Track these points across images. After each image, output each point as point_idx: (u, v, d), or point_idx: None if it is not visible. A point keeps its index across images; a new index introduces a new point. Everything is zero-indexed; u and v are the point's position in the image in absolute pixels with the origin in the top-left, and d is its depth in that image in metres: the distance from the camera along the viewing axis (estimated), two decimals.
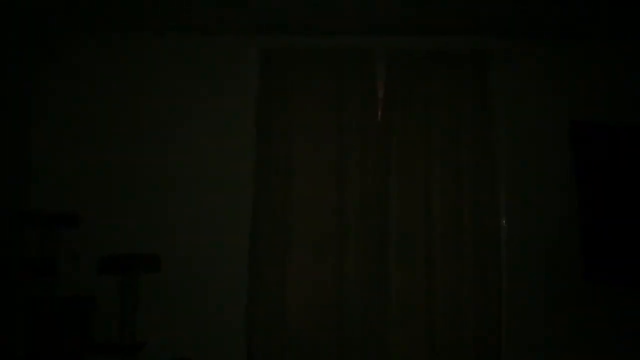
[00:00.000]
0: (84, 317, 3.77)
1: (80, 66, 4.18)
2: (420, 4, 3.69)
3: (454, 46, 4.12)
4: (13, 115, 3.98)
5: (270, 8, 3.76)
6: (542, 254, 4.01)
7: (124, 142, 4.12)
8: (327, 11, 3.81)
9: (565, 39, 4.11)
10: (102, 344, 3.78)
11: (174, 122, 4.14)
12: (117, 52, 4.18)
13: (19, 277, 3.72)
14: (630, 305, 3.96)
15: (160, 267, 3.86)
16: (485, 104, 4.11)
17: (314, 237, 3.99)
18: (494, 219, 4.03)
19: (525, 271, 4.00)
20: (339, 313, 3.93)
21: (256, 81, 4.14)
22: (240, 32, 4.11)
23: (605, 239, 3.86)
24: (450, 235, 3.98)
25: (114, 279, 3.79)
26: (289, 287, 3.97)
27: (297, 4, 3.72)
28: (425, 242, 3.98)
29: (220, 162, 4.11)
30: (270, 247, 4.00)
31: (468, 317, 3.93)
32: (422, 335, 3.91)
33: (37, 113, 4.15)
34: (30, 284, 3.73)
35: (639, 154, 3.93)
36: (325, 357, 3.90)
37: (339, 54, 4.13)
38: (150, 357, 3.75)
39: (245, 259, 4.02)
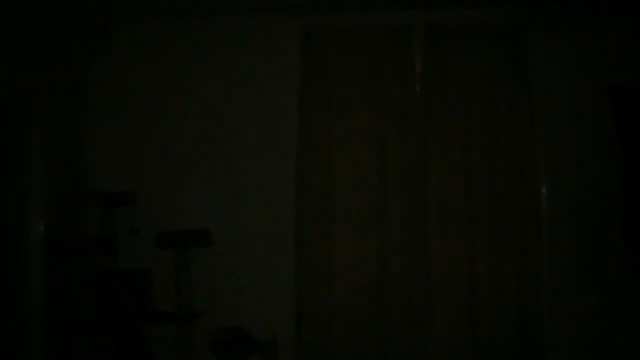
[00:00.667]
0: (143, 289, 4.06)
1: (133, 52, 4.42)
2: None
3: (491, 18, 4.13)
4: (72, 102, 4.26)
5: None
6: (583, 222, 4.02)
7: (176, 124, 4.35)
8: None
9: (602, 7, 4.04)
10: (160, 312, 4.07)
11: (221, 102, 4.34)
12: (167, 38, 4.39)
13: (84, 253, 4.03)
14: None
15: (211, 241, 4.10)
16: (524, 74, 4.11)
17: (356, 211, 4.12)
18: (534, 188, 4.06)
19: (565, 240, 4.03)
20: (383, 282, 4.07)
21: (297, 60, 4.26)
22: (282, 11, 4.23)
23: None
24: (491, 206, 4.04)
25: (169, 253, 4.08)
26: (334, 259, 4.12)
27: None
28: (466, 214, 4.05)
29: (265, 140, 4.29)
30: (314, 220, 4.16)
31: (510, 287, 3.99)
32: (463, 304, 4.01)
33: (94, 99, 4.42)
34: (94, 259, 4.03)
35: None
36: (369, 325, 4.05)
37: (377, 30, 4.21)
38: (205, 325, 4.01)
39: (291, 231, 4.20)
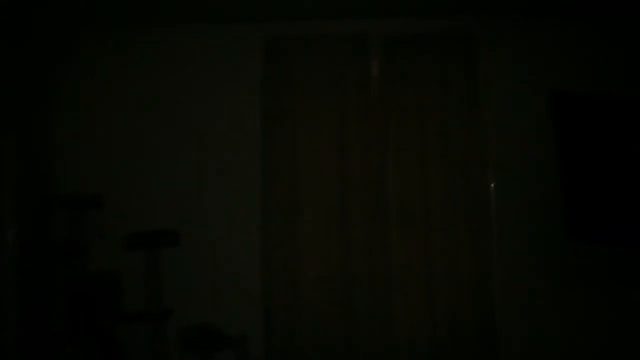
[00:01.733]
0: (114, 290, 4.13)
1: (96, 58, 4.46)
2: None
3: (443, 27, 4.41)
4: (38, 107, 4.25)
5: None
6: (528, 215, 4.37)
7: (143, 128, 4.42)
8: None
9: (547, 17, 4.39)
10: (132, 312, 4.15)
11: (187, 107, 4.44)
12: (130, 45, 4.46)
13: (53, 257, 4.04)
14: (607, 261, 4.33)
15: (179, 241, 4.21)
16: (474, 78, 4.41)
17: (321, 209, 4.31)
18: (484, 183, 4.38)
19: (512, 231, 4.37)
20: (347, 277, 4.28)
21: (261, 66, 4.41)
22: (243, 21, 4.37)
23: (583, 201, 4.24)
24: (445, 202, 4.32)
25: (138, 254, 4.15)
26: (299, 257, 4.30)
27: None
28: (423, 208, 4.32)
29: (230, 144, 4.42)
30: (280, 220, 4.32)
31: (463, 278, 4.28)
32: (422, 295, 4.28)
33: (60, 103, 4.43)
34: (63, 263, 4.06)
35: (612, 120, 4.28)
36: (335, 318, 4.26)
37: (336, 38, 4.41)
38: (176, 323, 4.12)
39: (257, 231, 4.35)
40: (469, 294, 4.28)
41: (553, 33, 4.44)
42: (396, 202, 4.35)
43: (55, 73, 4.42)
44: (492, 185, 4.41)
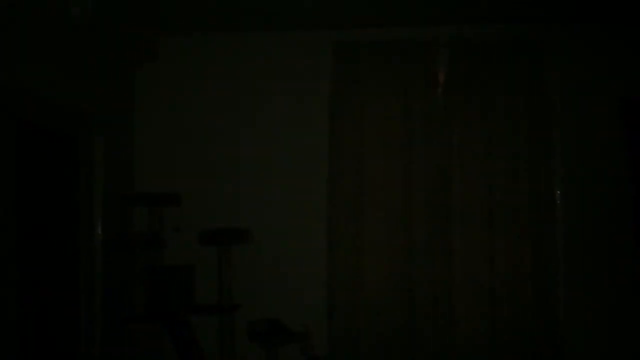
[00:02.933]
0: (188, 282, 4.39)
1: (176, 62, 4.73)
2: None
3: (509, 34, 4.45)
4: (121, 109, 4.60)
5: (338, 2, 4.18)
6: (595, 224, 4.34)
7: (217, 131, 4.67)
8: (393, 4, 4.22)
9: (615, 22, 4.35)
10: (204, 305, 4.40)
11: (260, 109, 4.66)
12: (208, 49, 4.71)
13: (133, 250, 4.36)
14: None
15: (250, 239, 4.43)
16: (541, 86, 4.42)
17: (385, 211, 4.44)
18: (550, 191, 4.38)
19: (579, 240, 4.34)
20: (408, 278, 4.39)
21: (330, 71, 4.58)
22: (315, 27, 4.57)
23: None
24: (509, 207, 4.35)
25: (212, 250, 4.40)
26: (363, 257, 4.43)
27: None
28: (485, 212, 4.37)
29: (300, 146, 4.61)
30: (346, 220, 4.47)
31: (526, 286, 4.30)
32: (484, 301, 4.32)
33: (140, 105, 4.75)
34: (142, 256, 4.36)
35: None
36: (396, 317, 4.38)
37: (404, 44, 4.52)
38: (244, 317, 4.34)
39: (324, 231, 4.52)
40: (531, 303, 4.29)
41: (620, 40, 4.39)
42: (459, 206, 4.41)
43: (138, 76, 4.74)
44: (559, 192, 4.40)
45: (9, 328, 3.16)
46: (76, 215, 3.99)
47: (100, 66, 4.23)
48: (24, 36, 3.35)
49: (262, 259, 4.54)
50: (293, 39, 4.64)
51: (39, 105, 3.52)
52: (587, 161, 4.39)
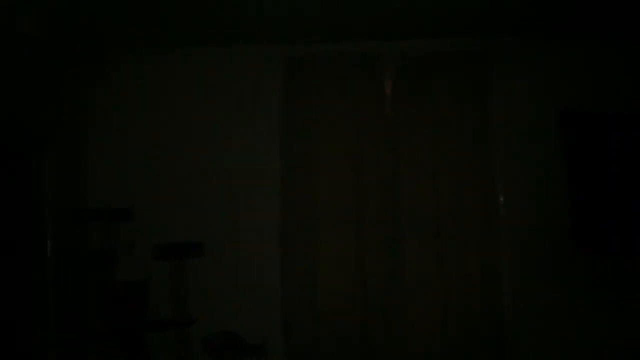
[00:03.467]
0: (142, 298, 4.37)
1: (127, 79, 4.75)
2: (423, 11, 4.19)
3: (454, 47, 4.64)
4: (73, 124, 4.56)
5: (289, 19, 4.29)
6: (536, 227, 4.53)
7: (168, 146, 4.70)
8: (340, 21, 4.34)
9: (554, 37, 4.59)
10: (159, 319, 4.38)
11: (212, 124, 4.71)
12: (159, 66, 4.76)
13: (86, 266, 4.31)
14: (615, 271, 4.46)
15: (204, 252, 4.45)
16: (485, 97, 4.62)
17: (336, 219, 4.53)
18: (493, 196, 4.56)
19: (520, 242, 4.52)
20: (362, 287, 4.48)
21: (280, 85, 4.67)
22: (264, 42, 4.66)
23: (590, 214, 4.39)
24: (455, 212, 4.50)
25: (165, 264, 4.40)
26: (316, 267, 4.50)
27: (315, 16, 4.25)
28: (433, 218, 4.51)
29: (251, 159, 4.67)
30: (297, 231, 4.55)
31: (474, 283, 4.45)
32: (433, 302, 4.44)
33: (93, 122, 4.73)
34: (95, 272, 4.32)
35: (620, 137, 4.46)
36: (351, 325, 4.45)
37: (352, 58, 4.66)
38: (199, 330, 4.34)
39: (276, 243, 4.58)
40: (478, 301, 4.45)
41: (560, 53, 4.64)
42: (408, 213, 4.54)
43: (89, 92, 4.72)
44: (501, 198, 4.59)
45: None
46: (25, 232, 3.93)
47: (50, 82, 4.20)
48: None
49: (217, 272, 4.55)
50: (244, 54, 4.72)
51: None
52: (528, 168, 4.59)
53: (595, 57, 4.64)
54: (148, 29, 4.42)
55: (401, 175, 4.57)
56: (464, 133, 4.58)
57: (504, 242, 4.53)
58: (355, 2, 4.01)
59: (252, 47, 4.68)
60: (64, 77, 4.41)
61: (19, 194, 3.92)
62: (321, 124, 4.63)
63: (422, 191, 4.54)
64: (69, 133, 4.49)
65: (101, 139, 4.71)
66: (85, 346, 4.26)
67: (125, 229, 4.46)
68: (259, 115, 4.71)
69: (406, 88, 4.63)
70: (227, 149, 4.70)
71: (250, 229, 4.62)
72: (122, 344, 4.19)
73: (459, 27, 4.48)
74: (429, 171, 4.55)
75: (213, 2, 3.97)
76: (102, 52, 4.69)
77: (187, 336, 4.36)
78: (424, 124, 4.59)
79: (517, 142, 4.61)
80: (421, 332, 4.44)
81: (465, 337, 4.41)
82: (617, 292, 4.46)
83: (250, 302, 4.55)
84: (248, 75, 4.72)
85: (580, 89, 4.58)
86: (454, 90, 4.60)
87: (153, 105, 4.74)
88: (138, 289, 4.36)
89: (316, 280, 4.52)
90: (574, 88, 4.58)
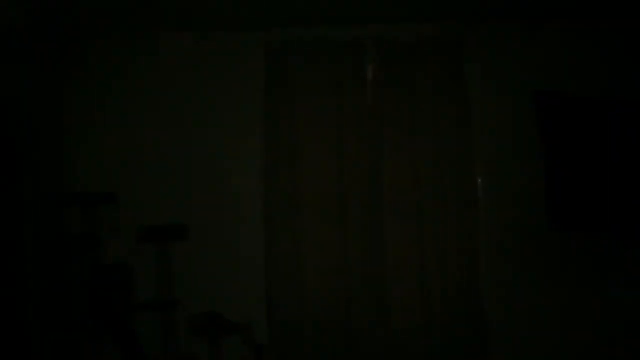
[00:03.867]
0: (127, 281, 4.41)
1: (107, 63, 4.72)
2: None
3: (433, 32, 4.71)
4: (52, 109, 4.53)
5: (270, 3, 4.31)
6: (513, 207, 4.68)
7: (150, 129, 4.70)
8: (322, 4, 4.38)
9: (532, 22, 4.69)
10: (143, 302, 4.43)
11: (195, 110, 4.72)
12: (139, 50, 4.74)
13: (69, 250, 4.32)
14: (588, 250, 4.66)
15: (188, 235, 4.49)
16: (462, 80, 4.71)
17: (320, 205, 4.61)
18: (472, 179, 4.68)
19: (498, 223, 4.67)
20: (344, 267, 4.58)
21: (262, 71, 4.69)
22: (245, 28, 4.67)
23: (564, 193, 4.55)
24: (435, 196, 4.62)
25: (149, 248, 4.43)
26: (300, 248, 4.59)
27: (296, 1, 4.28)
28: (415, 203, 4.62)
29: (235, 144, 4.71)
30: (282, 214, 4.62)
31: (453, 266, 4.58)
32: (415, 282, 4.57)
33: (72, 105, 4.71)
34: (79, 256, 4.33)
35: (589, 117, 4.60)
36: (334, 304, 4.57)
37: (333, 43, 4.70)
38: (185, 312, 4.39)
39: (260, 224, 4.64)
40: (457, 279, 4.58)
41: (536, 36, 4.73)
42: (390, 197, 4.64)
43: (69, 76, 4.69)
44: (480, 180, 4.71)
45: None
46: (5, 217, 3.92)
47: (32, 67, 4.16)
48: None
49: (201, 254, 4.60)
50: (225, 38, 4.72)
51: None
52: (506, 150, 4.72)
53: (572, 41, 4.74)
54: (129, 14, 4.38)
55: (383, 161, 4.65)
56: (442, 117, 4.67)
57: (482, 223, 4.66)
58: None
59: (233, 32, 4.68)
60: (45, 62, 4.37)
61: None
62: (304, 109, 4.67)
63: (403, 176, 4.63)
64: (50, 117, 4.46)
65: (83, 123, 4.69)
66: (70, 330, 4.28)
67: (108, 213, 4.47)
68: (242, 100, 4.72)
69: (386, 73, 4.69)
70: (211, 133, 4.71)
71: (234, 213, 4.67)
72: (108, 327, 4.22)
73: (438, 11, 4.54)
74: (409, 155, 4.64)
75: None
76: (83, 37, 4.64)
77: (172, 318, 4.42)
78: (404, 109, 4.66)
79: (494, 126, 4.72)
80: (403, 309, 4.57)
81: (445, 314, 4.55)
82: (592, 270, 4.65)
83: (234, 283, 4.61)
84: (230, 60, 4.73)
85: (557, 73, 4.70)
86: (433, 75, 4.68)
87: (135, 90, 4.72)
88: (122, 272, 4.39)
89: (300, 262, 4.60)
90: (550, 72, 4.70)
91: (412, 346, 4.55)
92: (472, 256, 4.63)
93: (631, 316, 4.62)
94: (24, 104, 4.11)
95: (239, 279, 4.63)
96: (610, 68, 4.71)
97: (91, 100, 4.72)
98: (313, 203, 4.62)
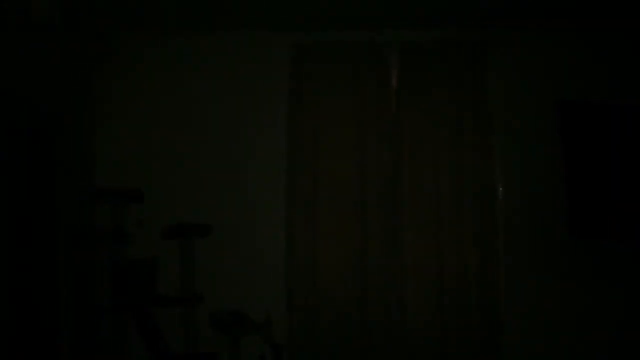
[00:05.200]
0: (151, 275, 4.54)
1: (138, 62, 4.87)
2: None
3: (456, 37, 4.76)
4: (82, 107, 4.69)
5: (297, 7, 4.40)
6: (534, 216, 4.70)
7: (178, 129, 4.84)
8: (348, 9, 4.45)
9: (554, 28, 4.70)
10: (167, 297, 4.56)
11: (220, 109, 4.84)
12: (169, 48, 4.86)
13: (98, 244, 4.49)
14: (607, 259, 4.64)
15: (211, 232, 4.61)
16: (484, 86, 4.75)
17: (340, 204, 4.69)
18: (492, 185, 4.71)
19: (518, 230, 4.70)
20: (363, 268, 4.65)
21: (287, 72, 4.79)
22: (272, 29, 4.77)
23: (586, 201, 4.55)
24: (455, 203, 4.66)
25: (174, 244, 4.56)
26: (319, 249, 4.68)
27: (322, 3, 4.36)
28: (434, 206, 4.67)
29: (259, 144, 4.82)
30: (303, 214, 4.71)
31: (471, 271, 4.62)
32: (432, 283, 4.62)
33: (102, 105, 4.85)
34: (107, 249, 4.49)
35: (611, 125, 4.60)
36: (352, 304, 4.65)
37: (357, 45, 4.78)
38: (207, 308, 4.51)
39: (282, 224, 4.74)
40: (476, 288, 4.62)
41: (558, 44, 4.76)
42: (409, 202, 4.69)
43: (101, 75, 4.84)
44: (500, 188, 4.73)
45: None
46: (38, 210, 4.08)
47: (65, 67, 4.32)
48: None
49: (223, 251, 4.72)
50: (252, 39, 4.82)
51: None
52: (527, 158, 4.74)
53: (594, 47, 4.75)
54: (158, 14, 4.53)
55: (403, 164, 4.71)
56: (464, 123, 4.71)
57: (501, 232, 4.69)
58: None
59: (260, 33, 4.78)
60: (77, 61, 4.53)
61: (32, 173, 4.06)
62: (327, 111, 4.76)
63: (422, 180, 4.68)
64: (82, 115, 4.63)
65: (113, 121, 4.84)
66: (97, 322, 4.44)
67: (136, 209, 4.61)
68: (266, 101, 4.83)
69: (409, 76, 4.76)
70: (236, 132, 4.83)
71: (257, 211, 4.78)
72: (132, 320, 4.36)
73: (461, 17, 4.59)
74: (430, 160, 4.69)
75: None
76: (114, 37, 4.80)
77: (194, 313, 4.54)
78: (425, 113, 4.72)
79: (516, 132, 4.75)
80: (420, 309, 4.62)
81: (462, 317, 4.59)
82: (613, 277, 4.64)
83: (255, 281, 4.72)
84: (256, 62, 4.84)
85: (579, 79, 4.71)
86: (455, 80, 4.73)
87: (163, 90, 4.86)
88: (148, 266, 4.53)
89: (318, 261, 4.68)
90: (573, 78, 4.71)
91: (427, 346, 4.59)
92: (491, 261, 4.65)
93: None
94: (59, 102, 4.26)
95: (260, 276, 4.73)
96: (634, 75, 4.69)
97: (121, 100, 4.87)
98: (333, 203, 4.70)
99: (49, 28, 3.93)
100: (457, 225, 4.67)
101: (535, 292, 4.66)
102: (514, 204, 4.72)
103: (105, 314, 4.42)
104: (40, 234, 4.04)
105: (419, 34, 4.78)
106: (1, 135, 3.60)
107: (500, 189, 4.74)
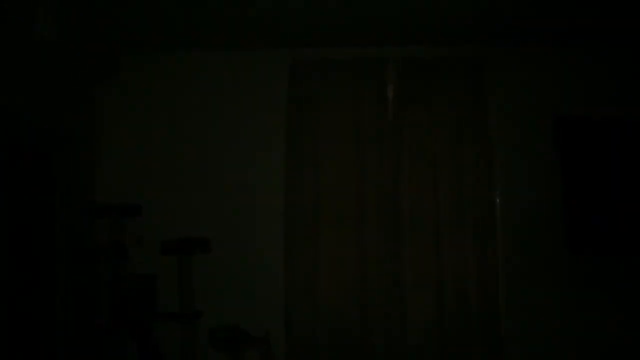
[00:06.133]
0: (150, 291, 4.53)
1: (136, 79, 4.89)
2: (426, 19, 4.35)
3: (454, 54, 4.79)
4: (82, 124, 4.70)
5: (295, 24, 4.43)
6: (532, 230, 4.70)
7: (177, 143, 4.86)
8: (345, 25, 4.48)
9: (551, 44, 4.75)
10: (166, 313, 4.54)
11: (219, 124, 4.86)
12: (169, 66, 4.91)
13: (96, 260, 4.47)
14: (607, 272, 4.65)
15: (210, 248, 4.60)
16: (482, 101, 4.78)
17: (339, 219, 4.69)
18: (491, 200, 4.72)
19: (516, 244, 4.69)
20: (362, 283, 4.64)
21: (286, 87, 4.81)
22: (270, 46, 4.81)
23: (584, 216, 4.56)
24: (454, 215, 4.66)
25: (173, 259, 4.55)
26: (318, 264, 4.66)
27: (320, 21, 4.39)
28: (433, 222, 4.67)
29: (257, 160, 4.83)
30: (302, 229, 4.71)
31: (470, 285, 4.61)
32: (431, 299, 4.61)
33: (101, 122, 4.87)
34: (105, 265, 4.47)
35: (609, 139, 4.62)
36: (351, 320, 4.62)
37: (355, 62, 4.81)
38: (205, 324, 4.49)
39: (281, 239, 4.73)
40: (475, 302, 4.60)
41: (556, 60, 4.80)
42: (408, 216, 4.69)
43: (99, 91, 4.86)
44: (498, 200, 4.74)
45: None
46: (37, 226, 4.08)
47: (65, 84, 4.34)
48: None
49: (222, 267, 4.70)
50: (251, 57, 4.86)
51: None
52: (526, 173, 4.75)
53: (592, 64, 4.79)
54: (157, 33, 4.57)
55: (402, 178, 4.72)
56: (463, 137, 4.73)
57: (500, 243, 4.69)
58: (359, 6, 4.15)
59: (258, 50, 4.82)
60: (79, 79, 4.55)
61: (31, 190, 4.06)
62: (326, 127, 4.77)
63: (422, 195, 4.69)
64: (80, 132, 4.63)
65: (111, 138, 4.86)
66: (95, 338, 4.42)
67: (134, 225, 4.61)
68: (265, 116, 4.85)
69: (408, 93, 4.78)
70: (235, 149, 4.84)
71: (255, 227, 4.78)
72: (131, 336, 4.35)
73: (458, 34, 4.63)
74: (429, 175, 4.70)
75: (216, 4, 4.09)
76: (113, 55, 4.83)
77: (193, 329, 4.52)
78: (424, 128, 4.74)
79: (514, 146, 4.77)
80: (419, 327, 4.60)
81: (462, 333, 4.57)
82: (612, 291, 4.63)
83: (254, 297, 4.70)
84: (254, 78, 4.87)
85: (577, 95, 4.74)
86: (454, 95, 4.75)
87: (162, 106, 4.88)
88: (146, 282, 4.51)
89: (318, 277, 4.67)
90: (572, 94, 4.74)
91: None
92: (490, 276, 4.64)
93: None
94: (58, 119, 4.27)
95: (259, 293, 4.71)
96: (632, 91, 4.71)
97: (121, 116, 4.89)
98: (332, 219, 4.70)
99: (50, 45, 3.95)
100: (457, 239, 4.66)
101: (535, 304, 4.65)
102: (513, 218, 4.72)
103: (104, 330, 4.39)
104: (39, 250, 4.04)
105: (419, 50, 4.81)
106: (1, 151, 3.61)
107: (499, 202, 4.74)
